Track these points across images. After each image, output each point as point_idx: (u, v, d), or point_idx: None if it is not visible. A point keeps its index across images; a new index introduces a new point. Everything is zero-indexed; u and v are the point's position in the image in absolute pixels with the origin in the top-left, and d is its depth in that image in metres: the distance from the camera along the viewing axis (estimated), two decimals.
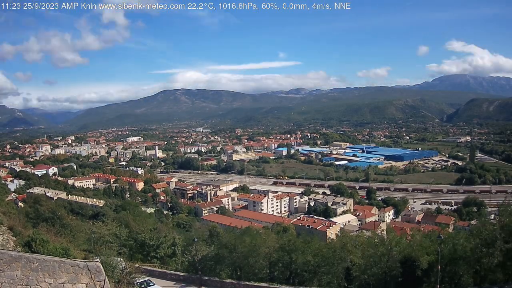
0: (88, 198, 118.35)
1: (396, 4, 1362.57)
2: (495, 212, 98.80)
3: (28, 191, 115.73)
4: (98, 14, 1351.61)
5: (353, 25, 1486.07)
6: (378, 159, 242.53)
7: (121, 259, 24.94)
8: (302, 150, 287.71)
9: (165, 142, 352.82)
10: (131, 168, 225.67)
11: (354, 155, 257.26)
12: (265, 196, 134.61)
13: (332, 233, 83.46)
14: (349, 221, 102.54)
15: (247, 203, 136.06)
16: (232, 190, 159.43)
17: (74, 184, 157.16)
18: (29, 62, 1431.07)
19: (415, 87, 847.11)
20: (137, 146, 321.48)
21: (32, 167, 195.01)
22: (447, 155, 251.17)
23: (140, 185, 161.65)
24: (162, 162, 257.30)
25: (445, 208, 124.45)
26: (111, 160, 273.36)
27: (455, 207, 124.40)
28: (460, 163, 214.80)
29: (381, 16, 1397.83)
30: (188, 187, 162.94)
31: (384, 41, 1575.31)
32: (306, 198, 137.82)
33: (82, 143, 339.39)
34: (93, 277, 13.18)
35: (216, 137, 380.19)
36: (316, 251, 28.09)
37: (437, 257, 20.72)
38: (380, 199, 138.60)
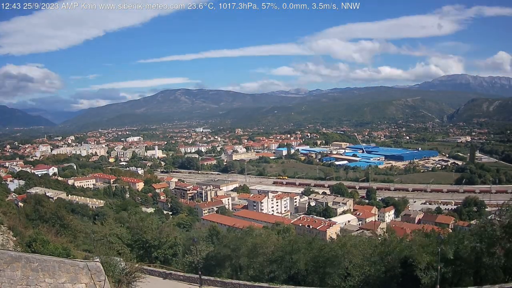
0: (88, 198, 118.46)
1: None
2: (495, 212, 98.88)
3: (28, 191, 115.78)
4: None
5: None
6: (378, 159, 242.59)
7: (121, 259, 24.93)
8: (302, 150, 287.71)
9: (165, 142, 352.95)
10: (131, 168, 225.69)
11: (354, 155, 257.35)
12: (265, 196, 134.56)
13: (332, 233, 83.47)
14: (349, 221, 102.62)
15: (247, 203, 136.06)
16: (232, 190, 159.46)
17: (74, 184, 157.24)
18: None
19: (415, 87, 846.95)
20: (137, 146, 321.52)
21: (32, 167, 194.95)
22: (447, 155, 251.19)
23: (140, 185, 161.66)
24: (162, 162, 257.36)
25: (445, 208, 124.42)
26: (111, 160, 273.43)
27: (455, 207, 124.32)
28: (460, 163, 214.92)
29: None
30: (188, 187, 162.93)
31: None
32: (306, 198, 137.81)
33: (82, 143, 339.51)
34: (93, 277, 13.16)
35: (216, 137, 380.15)
36: (316, 251, 28.09)
37: (437, 257, 20.71)
38: (380, 199, 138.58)
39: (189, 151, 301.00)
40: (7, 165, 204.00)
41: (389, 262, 23.71)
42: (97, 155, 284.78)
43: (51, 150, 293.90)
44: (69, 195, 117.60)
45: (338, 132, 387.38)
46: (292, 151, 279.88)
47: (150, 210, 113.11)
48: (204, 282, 27.90)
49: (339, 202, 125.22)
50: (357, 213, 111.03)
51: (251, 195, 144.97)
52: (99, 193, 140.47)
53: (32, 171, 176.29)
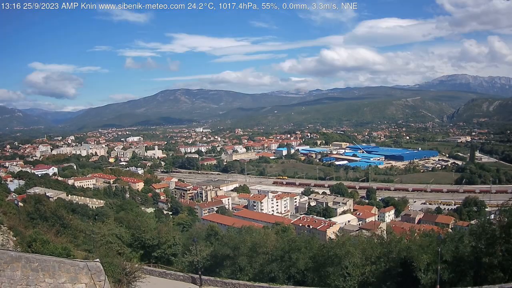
0: (88, 198, 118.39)
1: None
2: (495, 212, 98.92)
3: (28, 191, 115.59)
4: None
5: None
6: (378, 159, 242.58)
7: (121, 259, 24.96)
8: (302, 150, 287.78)
9: (165, 142, 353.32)
10: (131, 168, 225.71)
11: (354, 155, 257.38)
12: (265, 196, 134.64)
13: (332, 233, 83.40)
14: (349, 221, 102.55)
15: (247, 203, 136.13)
16: (232, 190, 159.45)
17: (74, 184, 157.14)
18: None
19: (415, 87, 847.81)
20: (137, 146, 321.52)
21: (32, 167, 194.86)
22: (447, 155, 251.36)
23: (140, 185, 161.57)
24: (162, 162, 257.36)
25: (445, 208, 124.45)
26: (111, 160, 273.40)
27: (455, 207, 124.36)
28: (460, 163, 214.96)
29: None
30: (188, 187, 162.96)
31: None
32: (306, 198, 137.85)
33: (82, 143, 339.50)
34: (93, 277, 13.17)
35: (216, 137, 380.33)
36: (316, 250, 28.07)
37: (436, 257, 20.71)
38: (380, 199, 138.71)
39: (189, 151, 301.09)
40: (7, 165, 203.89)
41: (388, 262, 23.71)
42: (97, 155, 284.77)
43: (51, 150, 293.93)
44: (69, 195, 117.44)
45: (338, 132, 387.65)
46: (292, 151, 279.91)
47: (150, 210, 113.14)
48: (204, 282, 27.92)
49: (339, 202, 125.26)
50: (357, 213, 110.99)
51: (251, 195, 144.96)
52: (99, 193, 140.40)
53: (32, 171, 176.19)
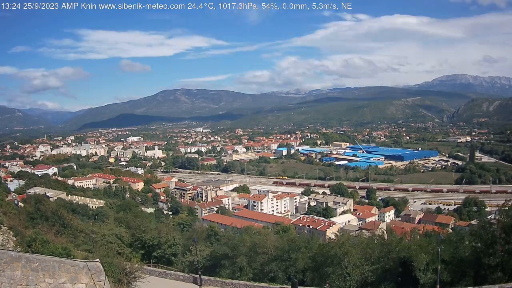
0: (88, 198, 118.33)
1: None
2: (495, 212, 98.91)
3: (28, 191, 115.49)
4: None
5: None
6: (378, 159, 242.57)
7: (122, 259, 24.95)
8: (302, 150, 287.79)
9: (165, 142, 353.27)
10: (131, 168, 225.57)
11: (354, 155, 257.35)
12: (265, 196, 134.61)
13: (332, 233, 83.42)
14: (349, 221, 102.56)
15: (247, 203, 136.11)
16: (232, 190, 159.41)
17: (74, 184, 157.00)
18: None
19: (415, 87, 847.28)
20: (137, 146, 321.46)
21: (32, 167, 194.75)
22: (447, 155, 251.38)
23: (140, 185, 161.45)
24: (162, 162, 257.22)
25: (445, 208, 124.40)
26: (111, 160, 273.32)
27: (455, 207, 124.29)
28: (460, 163, 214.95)
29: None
30: (188, 187, 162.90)
31: None
32: (306, 198, 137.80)
33: (82, 143, 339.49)
34: (93, 277, 13.17)
35: (216, 137, 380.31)
36: (316, 250, 28.09)
37: (436, 257, 20.72)
38: (380, 199, 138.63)
39: (189, 151, 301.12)
40: (7, 165, 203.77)
41: (388, 262, 23.71)
42: (97, 155, 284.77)
43: (51, 150, 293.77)
44: (69, 195, 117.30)
45: (338, 132, 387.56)
46: (292, 151, 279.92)
47: (150, 210, 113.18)
48: (204, 282, 27.91)
49: (339, 202, 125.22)
50: (357, 213, 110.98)
51: (251, 195, 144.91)
52: (99, 193, 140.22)
53: (32, 171, 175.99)
